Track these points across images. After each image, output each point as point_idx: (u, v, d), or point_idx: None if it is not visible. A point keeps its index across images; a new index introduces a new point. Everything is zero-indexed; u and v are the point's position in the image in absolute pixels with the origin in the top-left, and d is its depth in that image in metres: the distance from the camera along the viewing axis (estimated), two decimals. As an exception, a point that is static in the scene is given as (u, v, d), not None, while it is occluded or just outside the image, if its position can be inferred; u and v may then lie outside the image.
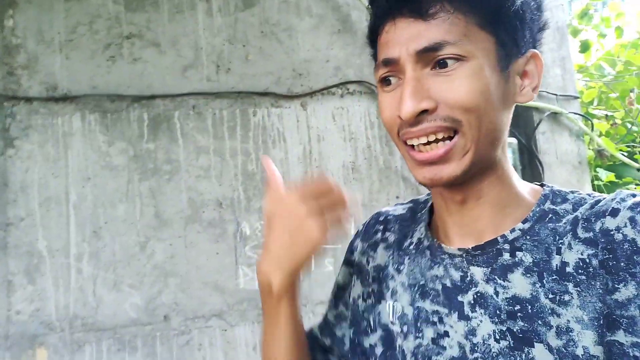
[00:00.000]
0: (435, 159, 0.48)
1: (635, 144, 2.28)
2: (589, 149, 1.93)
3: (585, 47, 2.81)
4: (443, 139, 0.48)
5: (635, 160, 2.01)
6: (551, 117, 1.81)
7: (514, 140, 1.78)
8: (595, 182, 1.98)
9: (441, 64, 0.47)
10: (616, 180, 1.93)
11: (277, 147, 1.69)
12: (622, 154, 1.98)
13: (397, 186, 1.74)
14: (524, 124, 1.85)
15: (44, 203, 1.53)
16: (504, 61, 0.49)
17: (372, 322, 0.61)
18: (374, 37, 0.54)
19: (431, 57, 0.47)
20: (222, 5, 1.72)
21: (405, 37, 0.48)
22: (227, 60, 1.70)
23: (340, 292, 0.70)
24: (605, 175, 1.89)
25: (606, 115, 2.33)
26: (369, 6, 0.54)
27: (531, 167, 1.80)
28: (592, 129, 1.89)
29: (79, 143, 1.57)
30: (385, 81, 0.52)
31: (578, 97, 1.88)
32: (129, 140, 1.60)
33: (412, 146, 0.50)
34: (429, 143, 0.49)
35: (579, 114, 1.84)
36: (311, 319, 1.62)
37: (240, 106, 1.69)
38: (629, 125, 2.27)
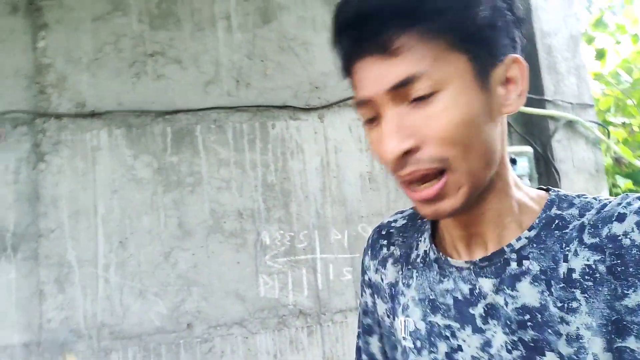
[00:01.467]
0: (430, 197, 0.47)
1: (653, 151, 2.27)
2: (607, 156, 1.93)
3: (600, 55, 2.80)
4: (436, 177, 0.47)
5: (654, 167, 2.00)
6: (567, 125, 1.82)
7: (529, 149, 1.79)
8: (614, 190, 1.97)
9: (418, 99, 0.45)
10: (634, 188, 1.92)
11: (296, 159, 1.73)
12: (641, 161, 1.97)
13: (414, 195, 1.76)
14: (540, 133, 1.86)
15: (73, 215, 1.59)
16: (482, 75, 0.46)
17: (394, 339, 0.62)
18: (346, 75, 0.52)
19: (405, 92, 0.45)
20: (241, 22, 1.79)
21: (374, 76, 0.46)
22: (246, 75, 1.76)
23: (373, 315, 0.67)
24: (624, 183, 1.88)
25: (623, 122, 2.32)
26: (334, 48, 0.51)
27: (548, 175, 1.80)
28: (609, 137, 1.89)
29: (106, 157, 1.64)
30: (366, 119, 0.50)
31: (593, 105, 1.88)
32: (153, 153, 1.66)
33: (406, 182, 0.48)
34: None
35: (595, 122, 1.85)
36: (330, 327, 1.65)
37: (260, 119, 1.74)
38: (647, 132, 2.26)
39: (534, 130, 1.86)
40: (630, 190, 1.92)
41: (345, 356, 1.65)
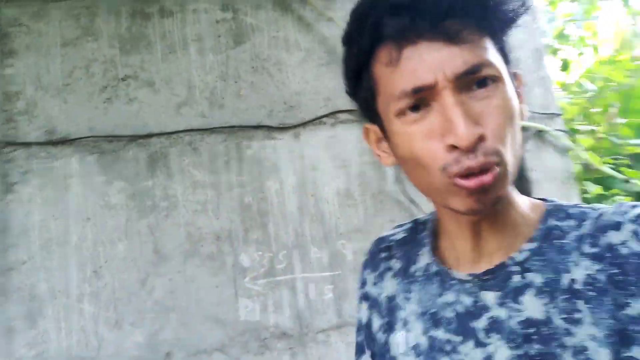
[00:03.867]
0: (486, 185, 0.45)
1: (620, 157, 2.35)
2: (576, 163, 1.98)
3: (565, 66, 2.91)
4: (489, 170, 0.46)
5: (621, 172, 2.07)
6: (536, 135, 1.87)
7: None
8: (584, 195, 2.03)
9: (479, 84, 0.45)
10: (604, 193, 1.98)
11: (272, 178, 1.73)
12: (610, 167, 2.04)
13: (391, 210, 1.77)
14: (511, 143, 1.90)
15: (45, 245, 1.55)
16: (512, 81, 0.49)
17: (387, 356, 0.60)
18: (365, 66, 0.50)
19: (470, 80, 0.45)
20: (213, 44, 1.79)
21: (438, 61, 0.44)
22: (220, 96, 1.76)
23: (367, 330, 0.66)
24: (594, 189, 1.94)
25: (590, 130, 2.40)
26: (360, 32, 0.49)
27: (520, 184, 1.84)
28: (577, 144, 1.94)
29: (78, 184, 1.60)
30: (407, 110, 0.47)
31: (560, 114, 1.95)
32: (126, 179, 1.63)
33: (459, 174, 0.46)
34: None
35: (562, 131, 1.90)
36: (312, 348, 1.63)
37: (235, 140, 1.73)
38: (613, 139, 2.34)
39: (505, 141, 1.91)
40: (600, 195, 1.97)
41: (330, 376, 1.63)
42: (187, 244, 1.62)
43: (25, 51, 1.67)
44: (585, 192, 1.93)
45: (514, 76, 0.51)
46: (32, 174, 1.59)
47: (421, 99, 0.46)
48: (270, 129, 1.76)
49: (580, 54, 3.02)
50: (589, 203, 1.96)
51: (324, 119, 1.80)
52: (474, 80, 0.45)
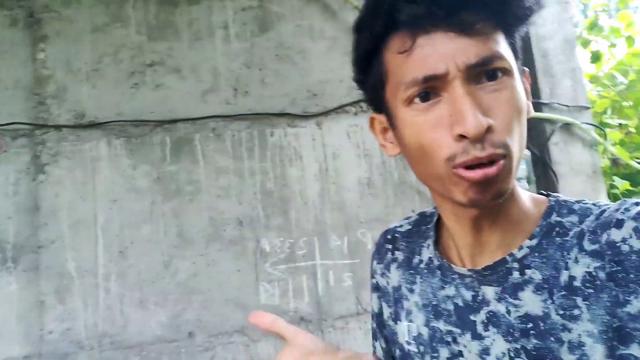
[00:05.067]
0: (491, 177, 0.45)
1: (651, 152, 2.28)
2: (605, 158, 1.94)
3: (596, 58, 2.83)
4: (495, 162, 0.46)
5: (652, 168, 2.01)
6: (563, 128, 1.83)
7: (527, 152, 1.80)
8: (612, 191, 1.98)
9: (490, 76, 0.45)
10: (632, 189, 1.93)
11: (294, 166, 1.74)
12: (639, 162, 1.98)
13: (412, 200, 1.77)
14: (537, 136, 1.87)
15: (73, 226, 1.60)
16: (521, 77, 0.50)
17: (397, 342, 0.62)
18: (377, 52, 0.50)
19: (481, 71, 0.45)
20: (239, 32, 1.80)
21: (452, 51, 0.45)
22: (244, 83, 1.77)
23: (379, 319, 0.68)
24: (621, 184, 1.89)
25: (620, 124, 2.33)
26: (374, 17, 0.49)
27: (545, 178, 1.81)
28: (606, 139, 1.90)
29: (106, 167, 1.65)
30: (416, 99, 0.47)
31: (589, 108, 1.90)
32: (152, 163, 1.67)
33: (463, 166, 0.46)
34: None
35: (591, 124, 1.86)
36: (331, 333, 1.64)
37: (258, 127, 1.75)
38: (644, 134, 2.27)
39: (530, 134, 1.87)
40: (628, 191, 1.92)
41: (347, 363, 1.65)
42: (210, 229, 1.65)
43: (56, 37, 1.71)
44: (613, 187, 1.88)
45: (522, 72, 0.51)
46: (62, 156, 1.64)
47: (431, 87, 0.46)
48: (293, 117, 1.77)
49: (613, 45, 2.92)
50: (617, 198, 1.92)
51: (347, 108, 1.80)
52: (484, 72, 0.46)
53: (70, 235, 1.59)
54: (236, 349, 1.59)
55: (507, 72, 0.46)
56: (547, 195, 0.54)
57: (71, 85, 1.69)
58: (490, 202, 0.47)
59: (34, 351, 1.50)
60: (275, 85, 1.78)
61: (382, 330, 0.67)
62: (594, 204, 0.50)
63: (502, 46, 0.46)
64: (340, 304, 1.66)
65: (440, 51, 0.45)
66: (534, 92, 1.87)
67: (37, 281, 1.54)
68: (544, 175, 1.83)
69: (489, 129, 0.44)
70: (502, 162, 0.45)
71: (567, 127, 1.83)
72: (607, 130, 2.03)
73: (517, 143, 0.47)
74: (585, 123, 1.84)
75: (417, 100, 0.47)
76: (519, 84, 0.48)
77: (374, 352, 0.70)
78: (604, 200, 1.63)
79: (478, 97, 0.45)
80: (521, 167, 1.74)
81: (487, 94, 0.45)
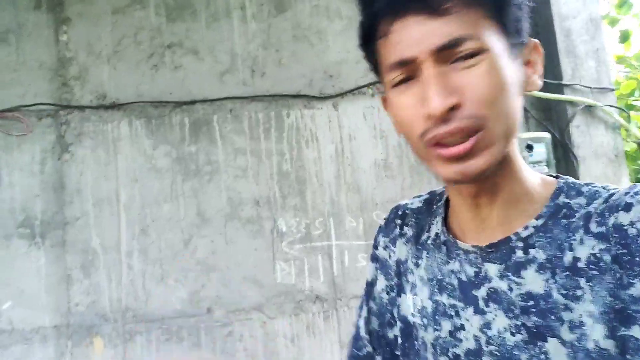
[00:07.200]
0: (462, 153, 0.46)
1: (678, 136, 2.20)
2: (630, 141, 1.89)
3: (624, 37, 2.72)
4: (469, 136, 0.47)
5: (678, 152, 1.95)
6: (585, 110, 1.79)
7: (547, 135, 1.77)
8: (638, 176, 1.94)
9: (461, 59, 0.46)
10: (656, 173, 1.88)
11: (310, 147, 1.75)
12: (664, 146, 1.93)
13: (429, 182, 1.77)
14: (557, 118, 1.83)
15: (97, 204, 1.65)
16: (514, 51, 0.49)
17: (395, 315, 0.63)
18: (370, 38, 0.52)
19: (450, 53, 0.46)
20: (256, 12, 1.80)
21: (420, 34, 0.46)
22: (261, 64, 1.78)
23: (369, 288, 0.70)
24: (645, 168, 1.85)
25: (646, 106, 2.26)
26: (363, 6, 0.51)
27: (565, 161, 1.78)
28: (630, 121, 1.85)
29: (127, 147, 1.69)
30: (400, 82, 0.50)
31: (614, 89, 1.84)
32: (172, 143, 1.71)
33: (437, 143, 0.48)
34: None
35: (614, 107, 1.81)
36: (346, 312, 1.68)
37: (275, 108, 1.76)
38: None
39: (551, 116, 1.84)
40: (652, 176, 1.88)
41: (360, 340, 1.68)
42: (228, 208, 1.69)
43: (78, 19, 1.74)
44: (638, 171, 1.84)
45: (525, 45, 0.51)
46: (85, 136, 1.68)
47: (410, 70, 0.48)
48: (310, 98, 1.77)
49: (642, 24, 2.81)
50: None
51: (364, 89, 1.79)
52: (455, 52, 0.46)
53: (94, 213, 1.65)
54: (253, 325, 1.64)
55: (479, 52, 0.46)
56: (557, 177, 0.54)
57: (93, 67, 1.73)
58: (473, 178, 0.48)
59: (63, 322, 1.58)
60: (291, 67, 1.78)
61: (369, 300, 0.70)
62: (603, 187, 0.50)
63: (477, 24, 0.46)
64: (355, 283, 1.68)
65: (410, 35, 0.47)
66: (556, 73, 1.83)
67: (64, 256, 1.61)
68: (564, 158, 1.79)
69: (455, 107, 0.46)
70: (477, 135, 0.46)
71: (589, 109, 1.79)
72: (633, 112, 1.97)
73: (502, 117, 0.47)
74: (609, 105, 1.79)
75: (400, 83, 0.50)
76: (503, 59, 0.47)
77: (356, 322, 0.72)
78: (626, 184, 1.60)
79: (447, 77, 0.46)
80: (540, 150, 1.72)
81: (458, 72, 0.46)
